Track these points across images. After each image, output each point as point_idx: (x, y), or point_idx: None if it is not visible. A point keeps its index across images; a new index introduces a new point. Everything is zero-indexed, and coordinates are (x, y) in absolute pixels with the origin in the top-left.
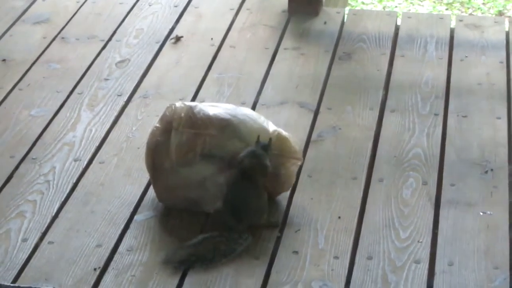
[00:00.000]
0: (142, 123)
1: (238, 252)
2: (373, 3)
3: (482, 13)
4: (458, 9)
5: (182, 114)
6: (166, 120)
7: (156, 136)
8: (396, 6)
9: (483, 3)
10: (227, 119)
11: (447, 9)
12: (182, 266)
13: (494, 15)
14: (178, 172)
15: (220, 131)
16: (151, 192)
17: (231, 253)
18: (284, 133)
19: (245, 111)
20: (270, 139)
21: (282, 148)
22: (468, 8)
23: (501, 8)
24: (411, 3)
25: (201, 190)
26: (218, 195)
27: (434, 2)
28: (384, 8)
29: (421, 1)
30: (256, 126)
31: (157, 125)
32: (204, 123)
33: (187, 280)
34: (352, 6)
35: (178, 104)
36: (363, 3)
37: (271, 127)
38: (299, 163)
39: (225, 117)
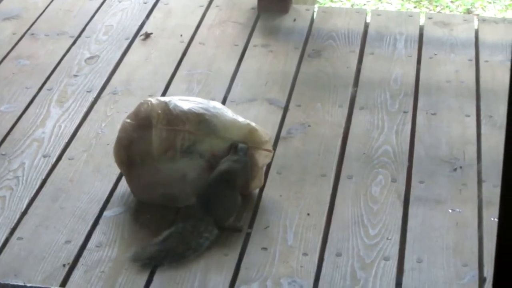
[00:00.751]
0: (112, 120)
1: (206, 246)
2: (342, 1)
3: (451, 11)
4: (426, 7)
5: (159, 111)
6: (141, 117)
7: (129, 132)
8: (364, 4)
9: (451, 1)
10: (201, 114)
11: (415, 7)
12: (151, 262)
13: (462, 13)
14: (158, 169)
15: (196, 127)
16: (121, 188)
17: (200, 248)
18: (255, 124)
19: (214, 104)
20: (248, 146)
21: (253, 139)
22: (437, 6)
23: (469, 6)
24: (380, 1)
25: (181, 186)
26: (196, 191)
27: (403, 0)
28: (352, 6)
29: None
30: (229, 119)
31: (129, 120)
32: (181, 120)
33: (157, 276)
34: (321, 4)
35: (154, 100)
36: (331, 1)
37: (241, 119)
38: (271, 155)
39: (199, 111)
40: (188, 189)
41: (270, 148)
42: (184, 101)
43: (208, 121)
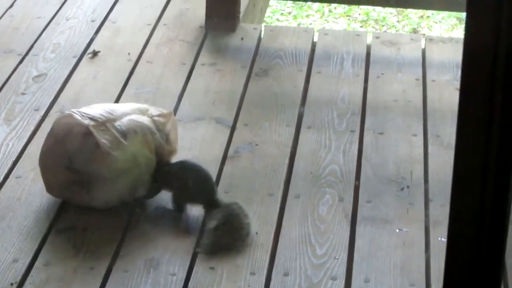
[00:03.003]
0: None
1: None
2: (288, 20)
3: (397, 31)
4: (373, 27)
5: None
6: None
7: (66, 149)
8: (311, 24)
9: (398, 21)
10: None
11: (361, 26)
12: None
13: (409, 33)
14: (117, 162)
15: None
16: (69, 206)
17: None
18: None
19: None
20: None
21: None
22: (383, 25)
23: (415, 26)
24: (326, 20)
25: (136, 169)
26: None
27: (349, 19)
28: (299, 25)
29: (336, 19)
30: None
31: (50, 143)
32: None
33: None
34: (267, 23)
35: (63, 114)
36: (278, 20)
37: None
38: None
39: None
40: (143, 168)
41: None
42: (89, 108)
43: (115, 109)
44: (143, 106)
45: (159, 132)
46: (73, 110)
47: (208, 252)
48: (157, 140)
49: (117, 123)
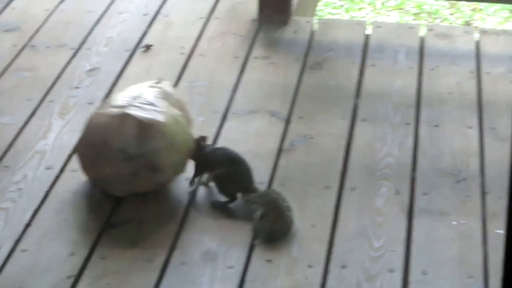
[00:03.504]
0: None
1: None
2: (340, 13)
3: (450, 24)
4: (425, 19)
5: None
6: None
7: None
8: (363, 17)
9: (450, 14)
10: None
11: (414, 19)
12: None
13: (461, 25)
14: (165, 127)
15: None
16: (124, 200)
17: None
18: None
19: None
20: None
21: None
22: (435, 18)
23: (468, 19)
24: (378, 13)
25: (180, 126)
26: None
27: (401, 12)
28: (351, 18)
29: (388, 12)
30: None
31: (95, 148)
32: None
33: (162, 286)
34: (319, 16)
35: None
36: (330, 13)
37: None
38: None
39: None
40: (185, 126)
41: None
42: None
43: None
44: (149, 82)
45: (171, 97)
46: (96, 111)
47: (263, 242)
48: (177, 101)
49: (140, 99)
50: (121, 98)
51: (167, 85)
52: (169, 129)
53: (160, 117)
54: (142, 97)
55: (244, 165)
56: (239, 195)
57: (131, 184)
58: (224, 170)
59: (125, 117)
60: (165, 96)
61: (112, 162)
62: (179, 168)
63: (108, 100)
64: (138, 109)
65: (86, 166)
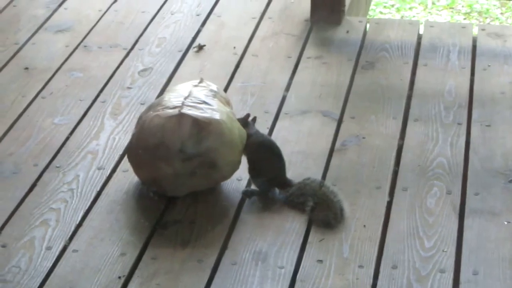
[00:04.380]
0: None
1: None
2: (391, 13)
3: (500, 23)
4: (476, 19)
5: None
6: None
7: (172, 145)
8: (414, 16)
9: (501, 13)
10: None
11: (465, 18)
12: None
13: None
14: (220, 124)
15: None
16: (175, 200)
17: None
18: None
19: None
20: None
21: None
22: (486, 17)
23: None
24: (429, 12)
25: (234, 123)
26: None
27: (452, 11)
28: (402, 17)
29: (439, 11)
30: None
31: (152, 151)
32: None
33: (213, 287)
34: (370, 16)
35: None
36: (381, 12)
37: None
38: None
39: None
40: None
41: None
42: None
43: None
44: (193, 81)
45: (219, 95)
46: (148, 113)
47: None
48: (225, 99)
49: (191, 98)
50: (173, 98)
51: (210, 84)
52: (226, 126)
53: (216, 115)
54: (193, 96)
55: (274, 155)
56: (276, 190)
57: (189, 183)
58: (252, 155)
59: (181, 117)
60: (214, 94)
61: (171, 163)
62: (236, 165)
63: (158, 101)
64: (193, 108)
65: (142, 167)
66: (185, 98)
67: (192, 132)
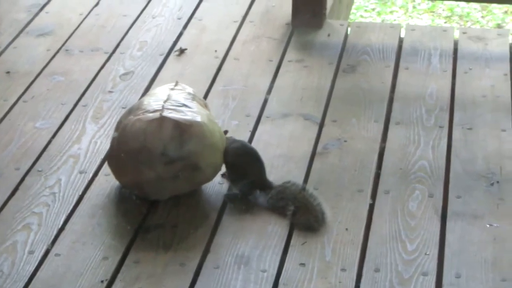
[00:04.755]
0: None
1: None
2: (372, 16)
3: (481, 26)
4: (457, 22)
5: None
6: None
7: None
8: (395, 20)
9: (482, 16)
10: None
11: (445, 22)
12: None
13: (494, 28)
14: (202, 126)
15: None
16: (157, 204)
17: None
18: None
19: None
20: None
21: None
22: (467, 21)
23: (499, 21)
24: (410, 16)
25: (215, 125)
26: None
27: (433, 15)
28: (383, 21)
29: (420, 15)
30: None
31: (133, 154)
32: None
33: None
34: (351, 20)
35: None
36: (362, 16)
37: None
38: None
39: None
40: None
41: None
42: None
43: (156, 94)
44: (169, 85)
45: (197, 97)
46: (128, 117)
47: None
48: (203, 101)
49: (171, 102)
50: (153, 102)
51: (186, 86)
52: (207, 128)
53: (197, 117)
54: (172, 99)
55: (253, 158)
56: (258, 193)
57: (171, 186)
58: (231, 160)
59: (162, 121)
60: (192, 96)
61: (153, 166)
62: (218, 166)
63: (138, 105)
64: (173, 111)
65: (124, 171)
66: (165, 102)
67: (174, 135)
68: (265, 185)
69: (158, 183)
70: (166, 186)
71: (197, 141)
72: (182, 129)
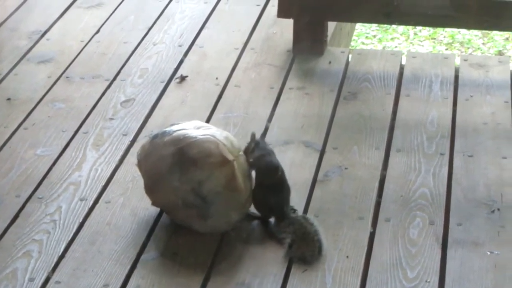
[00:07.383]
0: None
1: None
2: (373, 43)
3: (482, 53)
4: (458, 49)
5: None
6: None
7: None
8: (396, 46)
9: (483, 43)
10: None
11: (447, 49)
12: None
13: (495, 55)
14: (241, 192)
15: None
16: (158, 231)
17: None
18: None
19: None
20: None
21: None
22: (468, 48)
23: (500, 48)
24: (411, 43)
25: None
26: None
27: (434, 42)
28: (384, 48)
29: (421, 41)
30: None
31: (179, 159)
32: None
33: None
34: (353, 47)
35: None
36: (363, 43)
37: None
38: None
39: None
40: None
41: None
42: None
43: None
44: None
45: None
46: (215, 137)
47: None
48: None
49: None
50: (218, 134)
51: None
52: (242, 196)
53: (242, 180)
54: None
55: (278, 188)
56: (272, 219)
57: (178, 213)
58: (266, 179)
59: (226, 162)
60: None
61: (181, 185)
62: (218, 229)
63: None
64: (237, 159)
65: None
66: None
67: (218, 178)
68: (283, 216)
69: (175, 206)
70: (177, 212)
71: (229, 197)
72: (232, 179)
